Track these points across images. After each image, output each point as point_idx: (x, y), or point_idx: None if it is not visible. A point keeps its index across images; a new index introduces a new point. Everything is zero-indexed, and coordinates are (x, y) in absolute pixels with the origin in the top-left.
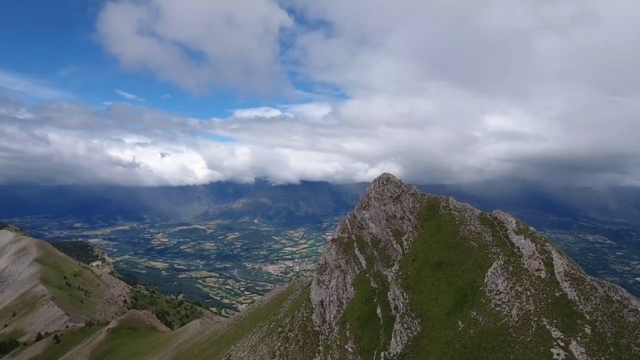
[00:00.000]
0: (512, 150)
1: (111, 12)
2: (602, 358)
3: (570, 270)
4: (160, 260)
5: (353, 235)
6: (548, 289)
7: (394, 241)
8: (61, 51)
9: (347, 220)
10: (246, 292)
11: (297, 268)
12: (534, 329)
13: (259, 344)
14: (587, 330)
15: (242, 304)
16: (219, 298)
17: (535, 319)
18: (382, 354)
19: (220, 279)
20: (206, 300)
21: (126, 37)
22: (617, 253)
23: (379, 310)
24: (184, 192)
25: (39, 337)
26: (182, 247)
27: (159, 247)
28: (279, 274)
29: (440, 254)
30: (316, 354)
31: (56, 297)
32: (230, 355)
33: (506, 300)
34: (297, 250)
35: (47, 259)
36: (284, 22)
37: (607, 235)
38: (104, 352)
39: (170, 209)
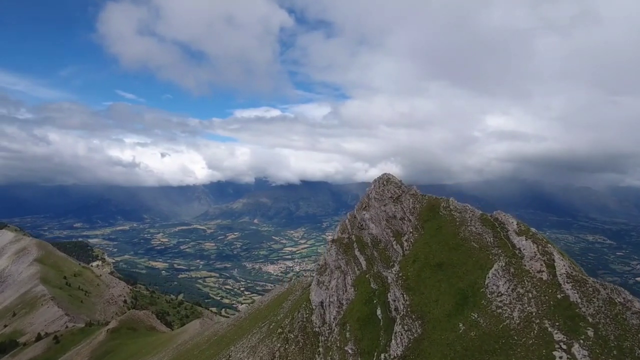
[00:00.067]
0: (512, 150)
1: (111, 12)
2: None
3: (572, 272)
4: (160, 260)
5: (353, 236)
6: (550, 291)
7: (394, 242)
8: (61, 51)
9: (347, 221)
10: (246, 292)
11: (297, 268)
12: (535, 332)
13: (258, 345)
14: (590, 332)
15: (242, 304)
16: (219, 298)
17: (537, 321)
18: (382, 355)
19: (220, 279)
20: (206, 300)
21: (126, 37)
22: (617, 253)
23: (379, 312)
24: (184, 192)
25: (39, 338)
26: (182, 247)
27: (159, 247)
28: (279, 274)
29: (440, 255)
30: (316, 355)
31: (56, 297)
32: (230, 356)
33: (507, 302)
34: (297, 250)
35: (47, 259)
36: (284, 22)
37: (607, 235)
38: (104, 352)
39: (170, 209)
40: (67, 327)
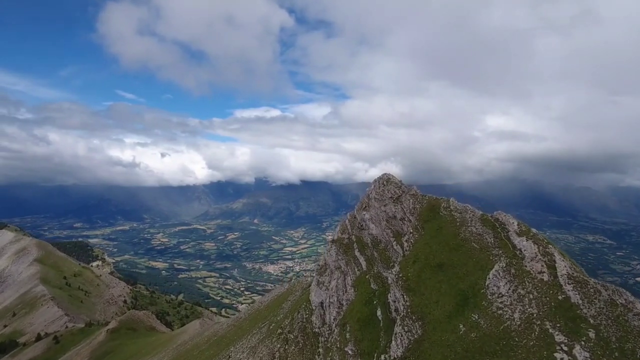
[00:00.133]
0: (512, 150)
1: (111, 12)
2: None
3: (573, 273)
4: (161, 260)
5: (353, 236)
6: (551, 292)
7: (395, 242)
8: (61, 51)
9: (347, 221)
10: (246, 292)
11: (297, 268)
12: (536, 333)
13: (258, 346)
14: (591, 334)
15: (242, 304)
16: (219, 298)
17: (538, 322)
18: (382, 356)
19: (220, 279)
20: (206, 301)
21: (126, 36)
22: (617, 253)
23: (379, 312)
24: (184, 192)
25: (39, 338)
26: (182, 247)
27: (159, 247)
28: (279, 274)
29: (441, 256)
30: (316, 356)
31: (56, 298)
32: (229, 357)
33: (508, 303)
34: (297, 250)
35: (47, 259)
36: (284, 22)
37: (607, 235)
38: (104, 352)
39: (170, 209)
40: (67, 327)
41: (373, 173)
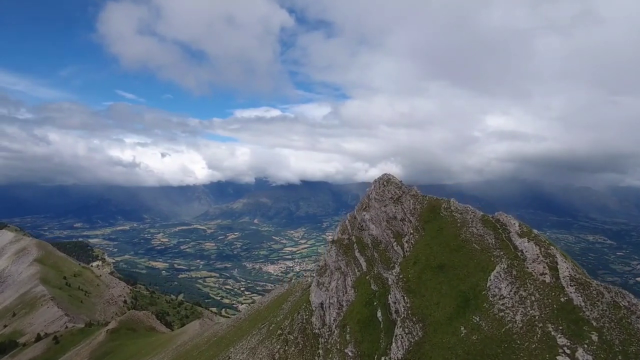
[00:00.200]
0: (513, 150)
1: (111, 12)
2: None
3: (575, 275)
4: (161, 260)
5: (353, 237)
6: (553, 294)
7: (395, 243)
8: (61, 51)
9: (347, 221)
10: (246, 292)
11: (297, 268)
12: (539, 336)
13: (258, 347)
14: (594, 337)
15: (242, 304)
16: (219, 298)
17: (540, 325)
18: (382, 358)
19: (220, 279)
20: (206, 301)
21: (126, 36)
22: (618, 253)
23: (379, 314)
24: (184, 192)
25: (39, 338)
26: (182, 247)
27: (159, 247)
28: (279, 274)
29: (441, 257)
30: (316, 357)
31: (56, 298)
32: (229, 358)
33: (510, 305)
34: (298, 250)
35: (47, 259)
36: (284, 22)
37: (607, 235)
38: (103, 353)
39: (170, 209)
40: (66, 327)
41: (373, 173)
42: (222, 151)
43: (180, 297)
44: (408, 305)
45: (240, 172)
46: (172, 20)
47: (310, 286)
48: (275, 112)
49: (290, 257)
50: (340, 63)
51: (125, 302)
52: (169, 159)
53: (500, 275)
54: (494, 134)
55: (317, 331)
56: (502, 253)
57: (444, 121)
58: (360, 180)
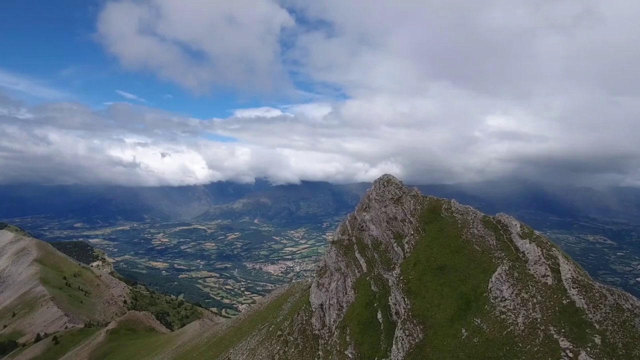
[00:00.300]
0: (513, 150)
1: (112, 12)
2: None
3: (577, 277)
4: (161, 260)
5: (353, 237)
6: (555, 296)
7: (395, 244)
8: (62, 51)
9: (347, 222)
10: (246, 292)
11: (297, 268)
12: (541, 339)
13: (258, 348)
14: (597, 340)
15: (242, 304)
16: (219, 298)
17: (543, 327)
18: None
19: (220, 279)
20: (206, 301)
21: (127, 36)
22: (618, 253)
23: (379, 315)
24: (185, 192)
25: (38, 338)
26: (182, 247)
27: (159, 247)
28: (280, 274)
29: (442, 258)
30: (315, 359)
31: (56, 298)
32: (229, 359)
33: (512, 307)
34: (298, 250)
35: (47, 259)
36: (285, 21)
37: (607, 235)
38: (103, 353)
39: (170, 209)
40: (66, 327)
41: (373, 173)
42: (223, 151)
43: (181, 297)
44: (408, 306)
45: (240, 172)
46: (173, 20)
47: (310, 287)
48: (275, 112)
49: (290, 257)
50: (340, 63)
51: (125, 302)
52: (169, 159)
53: (502, 277)
54: (495, 134)
55: (317, 332)
56: (503, 254)
57: (445, 121)
58: (360, 181)
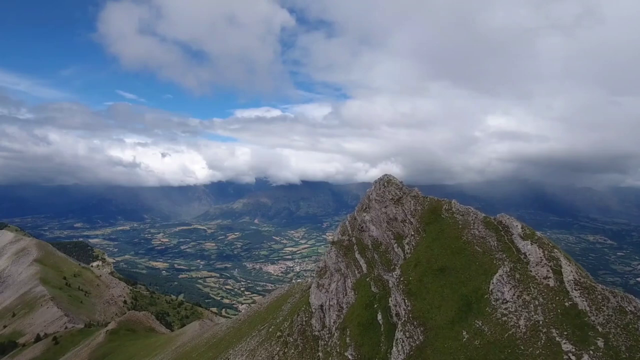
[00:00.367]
0: (514, 150)
1: (112, 12)
2: None
3: (580, 279)
4: (161, 260)
5: (353, 238)
6: (557, 298)
7: (395, 245)
8: (62, 51)
9: (347, 222)
10: (246, 293)
11: (297, 268)
12: (543, 341)
13: (257, 349)
14: (600, 343)
15: (242, 304)
16: (219, 298)
17: (545, 330)
18: None
19: (220, 279)
20: (206, 301)
21: (127, 36)
22: (618, 253)
23: (379, 317)
24: (185, 192)
25: (38, 339)
26: (182, 247)
27: (159, 247)
28: (280, 274)
29: (443, 259)
30: None
31: (56, 298)
32: None
33: (513, 309)
34: (298, 250)
35: (46, 259)
36: (285, 21)
37: (608, 235)
38: (102, 354)
39: (170, 209)
40: (66, 328)
41: (374, 173)
42: (223, 151)
43: (181, 297)
44: (409, 308)
45: (240, 172)
46: (173, 20)
47: (309, 288)
48: (275, 112)
49: (290, 257)
50: (341, 63)
51: (125, 302)
52: (169, 159)
53: (503, 279)
54: (495, 134)
55: (316, 333)
56: (504, 256)
57: (445, 121)
58: (360, 181)
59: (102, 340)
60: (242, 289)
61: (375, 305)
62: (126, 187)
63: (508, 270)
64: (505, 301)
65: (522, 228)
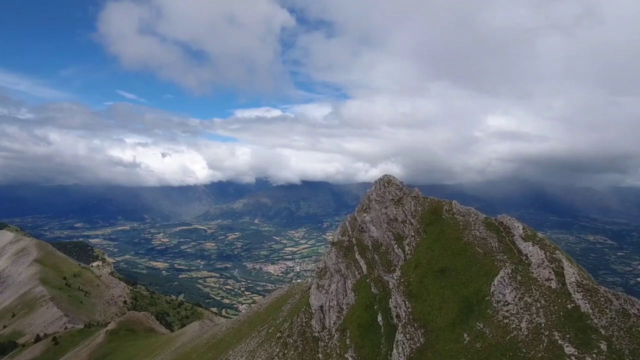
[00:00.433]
0: (514, 150)
1: (112, 11)
2: None
3: (582, 281)
4: (161, 260)
5: (353, 239)
6: (559, 300)
7: (396, 245)
8: (62, 51)
9: (347, 223)
10: (247, 293)
11: (297, 268)
12: (545, 344)
13: (257, 349)
14: (603, 346)
15: (242, 304)
16: (219, 298)
17: (547, 333)
18: None
19: (220, 279)
20: (207, 301)
21: (127, 36)
22: (618, 253)
23: (380, 318)
24: (185, 192)
25: (38, 339)
26: (182, 247)
27: (159, 247)
28: (280, 274)
29: (444, 260)
30: None
31: (55, 298)
32: None
33: (515, 311)
34: (298, 250)
35: (46, 259)
36: (285, 21)
37: (608, 235)
38: (102, 354)
39: (171, 209)
40: (66, 328)
41: (374, 173)
42: (223, 151)
43: (181, 297)
44: (409, 310)
45: (240, 172)
46: (173, 19)
47: (309, 288)
48: (275, 112)
49: (290, 257)
50: (341, 63)
51: (125, 302)
52: (169, 159)
53: (505, 281)
54: (495, 134)
55: (316, 335)
56: (505, 257)
57: (445, 121)
58: (360, 181)
59: (102, 341)
60: (242, 289)
61: (376, 307)
62: (126, 187)
63: (509, 271)
64: (506, 303)
65: (523, 229)
